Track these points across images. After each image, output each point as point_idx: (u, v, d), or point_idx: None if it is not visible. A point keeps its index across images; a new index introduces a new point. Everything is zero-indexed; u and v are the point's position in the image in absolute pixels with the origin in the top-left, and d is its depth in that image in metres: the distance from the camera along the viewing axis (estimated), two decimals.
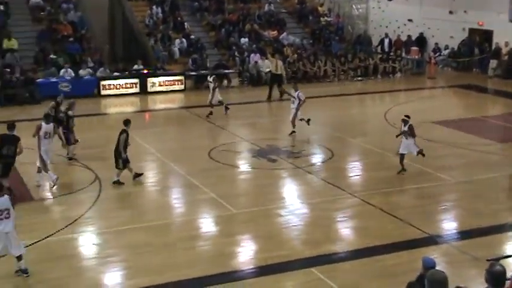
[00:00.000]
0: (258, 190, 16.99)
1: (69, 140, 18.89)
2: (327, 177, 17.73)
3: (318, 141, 22.14)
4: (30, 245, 12.96)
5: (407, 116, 17.83)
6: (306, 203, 16.07)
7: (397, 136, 17.97)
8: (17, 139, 15.68)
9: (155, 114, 27.29)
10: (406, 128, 17.55)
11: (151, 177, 18.33)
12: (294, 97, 21.97)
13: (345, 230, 14.62)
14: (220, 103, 24.77)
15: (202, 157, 19.47)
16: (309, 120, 22.01)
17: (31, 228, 14.03)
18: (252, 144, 21.17)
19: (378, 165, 18.69)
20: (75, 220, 14.52)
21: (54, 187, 16.62)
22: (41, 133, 16.62)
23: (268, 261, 12.58)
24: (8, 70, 28.12)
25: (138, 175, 17.25)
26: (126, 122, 17.05)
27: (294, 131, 21.96)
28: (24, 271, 11.78)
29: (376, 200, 15.93)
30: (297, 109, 21.85)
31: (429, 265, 8.10)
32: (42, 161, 16.61)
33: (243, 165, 19.41)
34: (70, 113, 19.04)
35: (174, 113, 25.40)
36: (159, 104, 28.70)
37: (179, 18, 35.45)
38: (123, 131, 16.80)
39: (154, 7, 35.36)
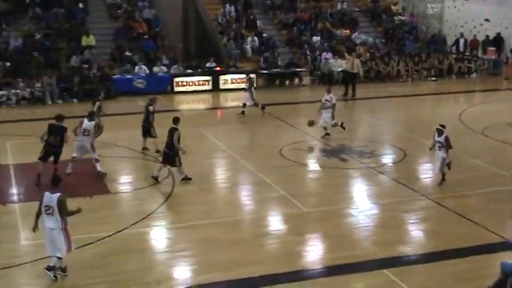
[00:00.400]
0: (328, 189, 16.87)
1: (150, 132, 19.25)
2: (399, 178, 17.47)
3: (390, 141, 21.89)
4: (105, 237, 13.31)
5: (443, 126, 16.52)
6: (378, 203, 15.86)
7: (430, 149, 16.94)
8: (64, 130, 16.40)
9: (227, 111, 27.49)
10: (441, 139, 16.31)
11: (222, 174, 18.54)
12: (328, 100, 21.24)
13: (418, 232, 14.37)
14: (243, 105, 24.82)
15: (273, 155, 19.50)
16: (327, 134, 21.53)
17: (106, 220, 14.43)
18: (323, 143, 21.07)
19: (452, 168, 18.24)
20: (149, 214, 14.77)
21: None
22: (81, 128, 17.20)
23: (338, 261, 12.48)
24: (86, 66, 28.94)
25: (156, 179, 17.01)
26: (176, 120, 16.94)
27: (343, 127, 21.53)
28: (49, 268, 11.52)
29: (450, 202, 15.61)
30: (333, 111, 21.22)
31: (509, 270, 7.88)
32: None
33: (314, 164, 19.37)
34: (151, 108, 19.37)
35: (246, 110, 25.47)
36: (230, 101, 28.92)
37: (252, 17, 35.61)
38: (175, 129, 16.67)
39: (227, 5, 35.62)
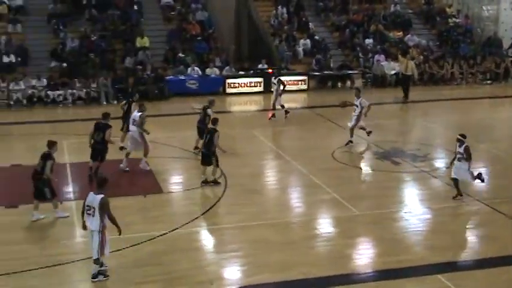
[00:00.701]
0: (381, 192, 16.72)
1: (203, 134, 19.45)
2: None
3: (444, 145, 21.58)
4: (157, 236, 13.48)
5: (463, 136, 15.63)
6: (430, 207, 15.66)
7: (451, 163, 16.14)
8: (107, 127, 16.83)
9: (278, 113, 27.50)
10: (461, 150, 15.56)
11: (274, 175, 18.57)
12: (357, 105, 20.66)
13: (472, 237, 14.18)
14: (282, 107, 24.70)
15: (325, 157, 19.46)
16: (370, 132, 21.05)
17: (159, 219, 14.60)
18: (376, 146, 20.93)
19: (507, 172, 17.94)
20: (201, 214, 14.92)
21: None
22: (131, 119, 18.10)
23: (390, 266, 12.37)
24: (140, 67, 29.39)
25: (206, 182, 16.99)
26: (215, 121, 16.97)
27: (350, 141, 20.78)
28: (94, 276, 11.63)
29: (505, 207, 15.30)
30: (359, 117, 20.64)
31: None
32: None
33: (366, 167, 19.26)
34: (209, 111, 19.48)
35: (297, 112, 25.54)
36: (282, 103, 28.86)
37: (304, 19, 35.62)
38: (215, 130, 16.69)
39: (279, 7, 35.72)
